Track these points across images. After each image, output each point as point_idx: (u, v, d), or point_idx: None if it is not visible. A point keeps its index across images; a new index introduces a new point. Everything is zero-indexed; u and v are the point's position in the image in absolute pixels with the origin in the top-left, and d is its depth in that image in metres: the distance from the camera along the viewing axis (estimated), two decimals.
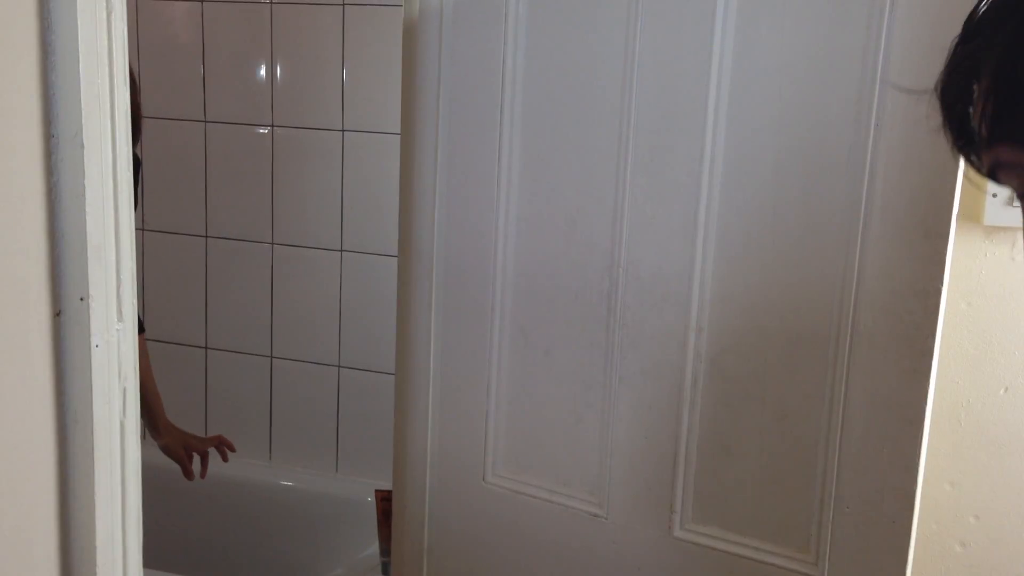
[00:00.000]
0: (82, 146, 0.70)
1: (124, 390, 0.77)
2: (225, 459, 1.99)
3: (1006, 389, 1.33)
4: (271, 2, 2.43)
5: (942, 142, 0.53)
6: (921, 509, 1.18)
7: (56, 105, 0.69)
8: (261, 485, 2.62)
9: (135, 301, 0.78)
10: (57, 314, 0.72)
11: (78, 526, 0.76)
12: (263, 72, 2.48)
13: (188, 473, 1.92)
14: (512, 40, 1.34)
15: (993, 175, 0.52)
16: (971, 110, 0.51)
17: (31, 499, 0.73)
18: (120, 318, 0.76)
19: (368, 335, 2.54)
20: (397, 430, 1.57)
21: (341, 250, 2.51)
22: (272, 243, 2.56)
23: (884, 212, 1.12)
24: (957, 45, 0.52)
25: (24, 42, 0.68)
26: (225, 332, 2.66)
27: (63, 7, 0.68)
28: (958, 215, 1.10)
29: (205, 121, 2.53)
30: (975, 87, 0.50)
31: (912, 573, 1.17)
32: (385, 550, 2.09)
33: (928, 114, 0.54)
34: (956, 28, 0.52)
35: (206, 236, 2.62)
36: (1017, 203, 0.54)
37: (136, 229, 0.78)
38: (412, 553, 1.57)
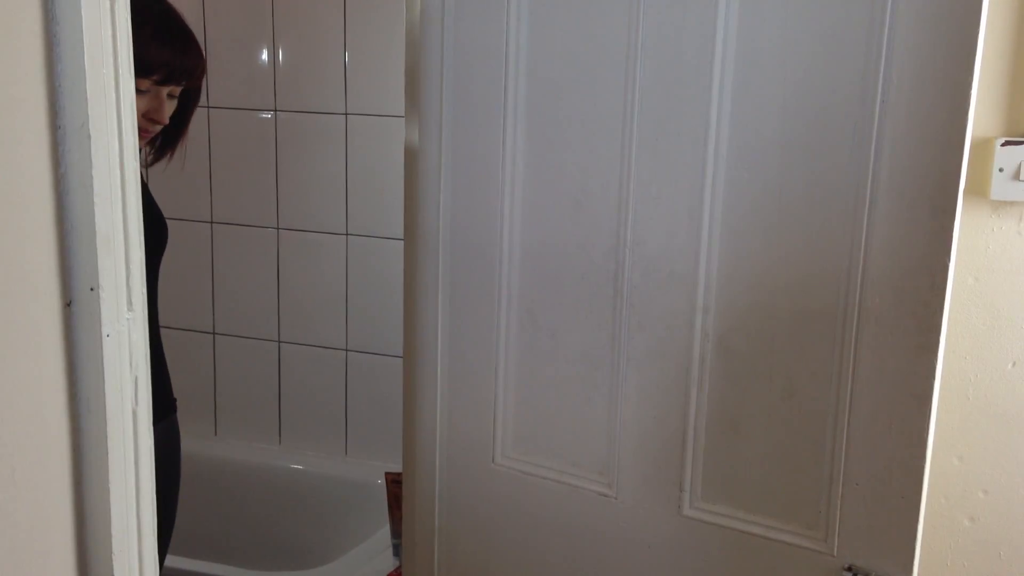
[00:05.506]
0: (89, 136, 0.70)
1: (136, 379, 0.77)
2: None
3: (1014, 363, 1.33)
4: None
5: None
6: (930, 484, 1.18)
7: (62, 96, 0.69)
8: (271, 469, 2.64)
9: (144, 290, 0.78)
10: (67, 304, 0.73)
11: (93, 513, 0.77)
12: (265, 56, 2.48)
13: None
14: (515, 20, 1.34)
15: None
16: None
17: (46, 487, 0.74)
18: (130, 307, 0.76)
19: (375, 318, 2.54)
20: (406, 413, 1.57)
21: (347, 234, 2.51)
22: (277, 228, 2.56)
23: (891, 188, 1.12)
24: None
25: (29, 33, 0.68)
26: (232, 317, 2.67)
27: None
28: (965, 190, 1.10)
29: (208, 107, 2.53)
30: None
31: (921, 548, 1.18)
32: (396, 532, 2.10)
33: None
34: None
35: (211, 222, 2.62)
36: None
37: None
38: (423, 534, 1.58)
